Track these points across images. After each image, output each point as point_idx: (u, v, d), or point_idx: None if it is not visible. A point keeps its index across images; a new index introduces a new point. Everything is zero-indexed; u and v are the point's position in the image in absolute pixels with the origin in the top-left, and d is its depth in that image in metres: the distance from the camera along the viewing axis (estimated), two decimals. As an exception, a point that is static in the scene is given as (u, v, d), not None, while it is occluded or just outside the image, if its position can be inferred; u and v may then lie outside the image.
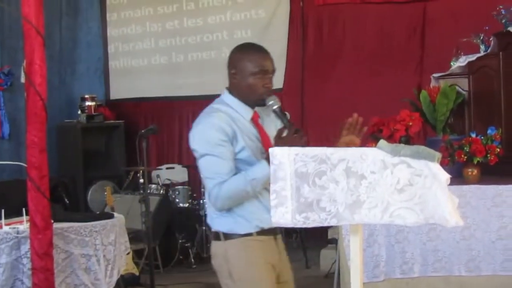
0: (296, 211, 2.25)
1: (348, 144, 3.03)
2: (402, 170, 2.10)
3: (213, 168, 3.04)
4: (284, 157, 2.27)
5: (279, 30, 8.88)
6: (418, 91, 6.13)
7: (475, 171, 5.23)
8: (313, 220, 2.26)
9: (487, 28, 6.21)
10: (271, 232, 3.14)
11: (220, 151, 3.02)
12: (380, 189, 2.14)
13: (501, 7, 5.91)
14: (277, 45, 8.66)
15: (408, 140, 5.50)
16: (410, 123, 5.53)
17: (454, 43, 6.58)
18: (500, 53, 5.87)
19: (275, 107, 3.08)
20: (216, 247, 3.19)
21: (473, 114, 6.16)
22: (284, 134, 2.99)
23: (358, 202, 2.20)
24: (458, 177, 5.28)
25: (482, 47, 6.15)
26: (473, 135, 5.26)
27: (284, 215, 2.27)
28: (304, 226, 2.26)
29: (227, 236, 3.13)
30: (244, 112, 3.14)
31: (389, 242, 5.07)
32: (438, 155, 2.03)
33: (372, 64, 8.16)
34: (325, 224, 2.27)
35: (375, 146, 2.18)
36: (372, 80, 8.07)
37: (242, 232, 3.11)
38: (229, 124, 3.06)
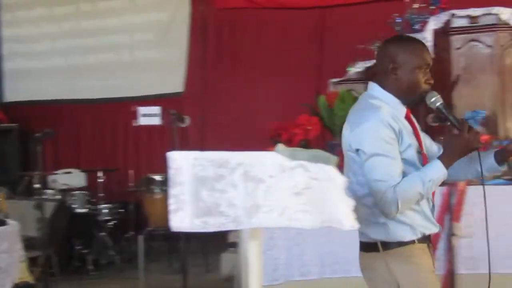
0: (195, 215, 2.22)
1: None
2: (299, 174, 2.11)
3: (385, 170, 2.72)
4: (183, 161, 2.24)
5: (180, 33, 8.84)
6: (317, 96, 6.23)
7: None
8: (212, 225, 2.23)
9: (382, 35, 6.38)
10: (427, 238, 2.92)
11: (391, 150, 2.73)
12: (278, 193, 2.15)
13: (396, 15, 6.09)
14: (178, 48, 8.63)
15: (307, 144, 5.58)
16: (309, 128, 5.61)
17: (351, 49, 6.73)
18: (395, 59, 6.04)
19: (438, 104, 2.81)
20: (373, 259, 2.92)
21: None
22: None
23: (256, 206, 2.19)
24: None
25: (378, 53, 6.32)
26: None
27: (183, 219, 2.23)
28: (203, 230, 2.23)
29: (387, 246, 2.85)
30: (400, 108, 2.86)
31: (288, 245, 5.10)
32: (334, 158, 2.05)
33: (272, 69, 8.24)
34: (224, 229, 2.25)
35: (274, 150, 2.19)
36: (272, 84, 8.15)
37: (406, 240, 2.83)
38: (396, 120, 2.78)
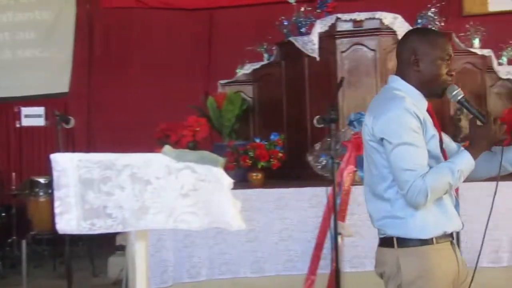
0: (81, 217, 2.17)
1: None
2: (186, 176, 2.10)
3: (413, 159, 2.63)
4: (67, 163, 2.18)
5: (65, 33, 8.62)
6: (206, 98, 6.24)
7: (259, 175, 5.40)
8: (100, 227, 2.19)
9: (270, 37, 6.47)
10: (449, 236, 2.79)
11: (417, 139, 2.65)
12: (165, 195, 2.13)
13: (283, 18, 6.17)
14: (63, 48, 8.42)
15: (195, 146, 5.57)
16: (198, 129, 5.60)
17: (239, 51, 6.78)
18: (282, 61, 6.13)
19: (459, 97, 2.73)
20: (387, 254, 2.82)
21: (258, 120, 6.39)
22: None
23: (144, 208, 2.17)
24: (243, 181, 5.43)
25: (266, 55, 6.40)
26: (257, 141, 5.43)
27: (69, 222, 2.17)
28: (90, 232, 2.18)
29: (403, 242, 2.75)
30: (422, 100, 2.78)
31: (176, 247, 5.08)
32: (222, 160, 2.05)
33: (160, 70, 8.17)
34: (112, 231, 2.21)
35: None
36: (161, 85, 8.09)
37: (424, 237, 2.72)
38: (420, 109, 2.71)
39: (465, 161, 2.63)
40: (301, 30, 6.04)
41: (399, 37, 5.53)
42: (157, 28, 8.32)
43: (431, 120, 2.76)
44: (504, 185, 5.00)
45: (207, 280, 5.12)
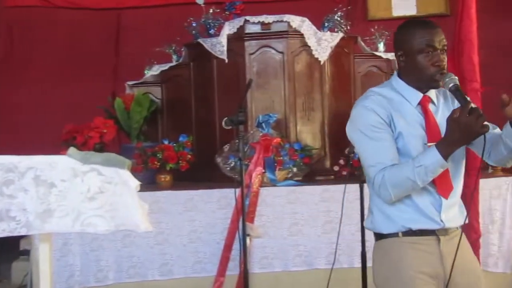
0: (-17, 222, 2.12)
1: None
2: (92, 178, 2.07)
3: (373, 155, 2.67)
4: (-33, 165, 2.12)
5: (-35, 31, 8.32)
6: (113, 99, 6.15)
7: (168, 177, 5.37)
8: (3, 230, 2.15)
9: (178, 38, 6.44)
10: (430, 233, 2.72)
11: (378, 135, 2.66)
12: (71, 198, 2.10)
13: (191, 19, 6.15)
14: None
15: (102, 148, 5.48)
16: (105, 130, 5.52)
17: (147, 51, 6.71)
18: (191, 63, 6.12)
19: (450, 85, 2.62)
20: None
21: (166, 121, 6.36)
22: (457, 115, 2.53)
23: (49, 211, 2.13)
24: (151, 184, 5.39)
25: (175, 57, 6.36)
26: (166, 142, 5.40)
27: (-30, 226, 2.11)
28: (-7, 236, 2.13)
29: (378, 236, 2.81)
30: (411, 96, 2.74)
31: (83, 250, 4.99)
32: (128, 162, 2.04)
33: (66, 70, 7.98)
34: (16, 234, 2.17)
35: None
36: (67, 86, 7.90)
37: (385, 232, 2.76)
38: (384, 107, 2.69)
39: (429, 157, 2.55)
40: (209, 31, 6.04)
41: (307, 40, 5.67)
42: (63, 27, 8.12)
43: (420, 116, 2.73)
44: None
45: (114, 283, 5.05)
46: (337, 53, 5.90)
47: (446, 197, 2.71)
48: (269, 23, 5.71)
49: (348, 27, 6.16)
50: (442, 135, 2.62)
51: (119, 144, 6.40)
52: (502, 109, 2.52)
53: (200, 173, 5.69)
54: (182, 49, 6.31)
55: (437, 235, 2.71)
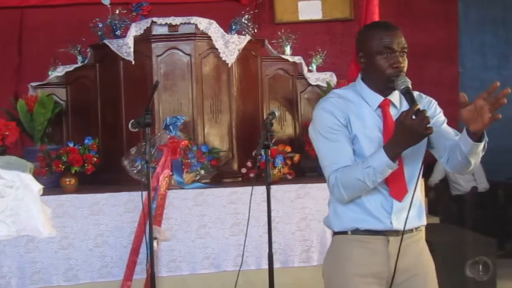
0: None
1: (479, 111, 2.45)
2: (-8, 182, 2.01)
3: (328, 155, 2.72)
4: None
5: None
6: (15, 100, 5.99)
7: (73, 181, 5.27)
8: None
9: (84, 39, 6.32)
10: (378, 233, 2.72)
11: (334, 137, 2.69)
12: (-31, 203, 2.02)
13: (97, 19, 6.05)
14: None
15: (4, 150, 5.32)
16: (7, 133, 5.36)
17: (52, 52, 6.57)
18: (97, 64, 6.02)
19: (402, 87, 2.62)
20: None
21: (71, 123, 6.24)
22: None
23: None
24: (56, 187, 5.28)
25: (80, 58, 6.25)
26: (71, 145, 5.29)
27: None
28: None
29: (333, 233, 2.88)
30: (371, 99, 2.74)
31: (-16, 257, 4.83)
32: (30, 165, 1.98)
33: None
34: None
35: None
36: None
37: (334, 230, 2.83)
38: (342, 109, 2.71)
39: (376, 159, 2.58)
40: (116, 32, 5.96)
41: (214, 42, 5.68)
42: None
43: (378, 119, 2.74)
44: (313, 187, 5.28)
45: (18, 291, 4.91)
46: (245, 56, 5.93)
47: (399, 200, 2.73)
48: (176, 25, 5.69)
49: (256, 30, 6.21)
50: None
51: (22, 147, 6.24)
52: (460, 110, 2.50)
53: (106, 176, 5.61)
54: (88, 50, 6.21)
55: (386, 235, 2.73)
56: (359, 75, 2.84)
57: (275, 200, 4.74)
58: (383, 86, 2.72)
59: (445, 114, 2.83)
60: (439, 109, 2.84)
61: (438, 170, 8.06)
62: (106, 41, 5.81)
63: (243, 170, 5.59)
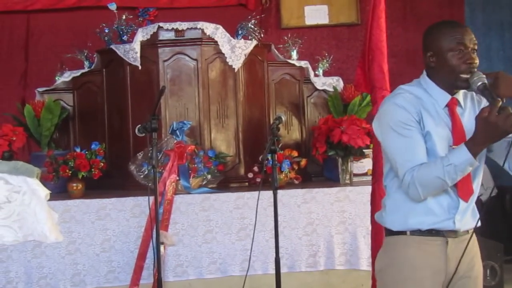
0: None
1: None
2: (-1, 187, 2.01)
3: (402, 153, 2.63)
4: None
5: None
6: (22, 105, 6.00)
7: (80, 186, 5.27)
8: None
9: (90, 44, 6.33)
10: (438, 234, 2.69)
11: (408, 133, 2.62)
12: (-24, 208, 2.02)
13: (104, 25, 6.07)
14: None
15: (11, 156, 5.34)
16: (14, 138, 5.38)
17: (58, 57, 6.58)
18: (104, 69, 6.03)
19: (478, 84, 2.56)
20: None
21: (78, 129, 6.24)
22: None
23: (-48, 223, 2.04)
24: (63, 192, 5.28)
25: (87, 63, 6.26)
26: (78, 150, 5.30)
27: None
28: None
29: (387, 232, 2.80)
30: (440, 97, 2.69)
31: (-9, 262, 4.84)
32: (37, 170, 1.98)
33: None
34: None
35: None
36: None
37: (393, 229, 2.75)
38: (414, 105, 2.65)
39: (459, 156, 2.52)
40: (122, 37, 5.98)
41: (221, 47, 5.68)
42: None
43: (447, 117, 2.70)
44: (320, 191, 5.27)
45: (24, 296, 4.92)
46: (251, 61, 5.94)
47: (466, 200, 2.71)
48: (183, 30, 5.70)
49: (262, 35, 6.21)
50: (467, 139, 2.60)
51: (29, 152, 6.25)
52: None
53: (113, 181, 5.61)
54: (94, 55, 6.22)
55: (445, 237, 2.70)
56: (424, 72, 2.79)
57: (281, 205, 4.75)
58: (453, 84, 2.69)
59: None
60: None
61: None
62: (112, 46, 5.82)
63: (250, 175, 5.58)
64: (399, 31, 8.32)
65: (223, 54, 5.71)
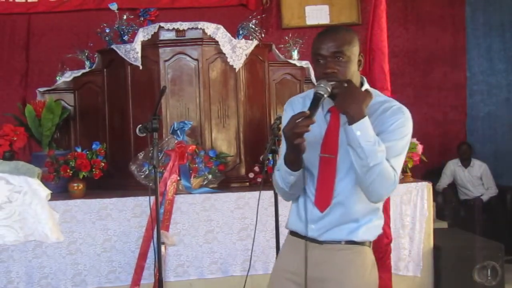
0: None
1: None
2: (0, 187, 2.01)
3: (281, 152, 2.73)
4: None
5: None
6: (23, 106, 6.00)
7: (81, 186, 5.28)
8: None
9: (91, 44, 6.33)
10: (301, 236, 2.76)
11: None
12: (-23, 208, 2.02)
13: (104, 25, 6.07)
14: None
15: (12, 156, 5.34)
16: (15, 138, 5.38)
17: (59, 57, 6.58)
18: (105, 69, 6.03)
19: (315, 92, 2.53)
20: None
21: (79, 129, 6.24)
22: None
23: (-47, 222, 2.05)
24: (64, 192, 5.28)
25: (87, 63, 6.26)
26: (79, 150, 5.30)
27: None
28: None
29: None
30: (325, 102, 2.63)
31: (-8, 262, 4.85)
32: (38, 170, 1.98)
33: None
34: None
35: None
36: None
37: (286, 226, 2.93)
38: (292, 107, 2.80)
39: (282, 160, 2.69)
40: (123, 38, 5.97)
41: (222, 47, 5.68)
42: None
43: (324, 124, 2.67)
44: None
45: (25, 295, 4.93)
46: (252, 61, 5.93)
47: (321, 210, 2.68)
48: (183, 30, 5.69)
49: (263, 35, 6.21)
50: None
51: (30, 152, 6.25)
52: None
53: (114, 181, 5.61)
54: (95, 55, 6.22)
55: (306, 240, 2.70)
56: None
57: (282, 205, 4.72)
58: None
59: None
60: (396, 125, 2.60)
61: (446, 175, 8.04)
62: (113, 46, 5.82)
63: (251, 175, 5.58)
64: (400, 31, 8.33)
65: (224, 54, 5.70)
